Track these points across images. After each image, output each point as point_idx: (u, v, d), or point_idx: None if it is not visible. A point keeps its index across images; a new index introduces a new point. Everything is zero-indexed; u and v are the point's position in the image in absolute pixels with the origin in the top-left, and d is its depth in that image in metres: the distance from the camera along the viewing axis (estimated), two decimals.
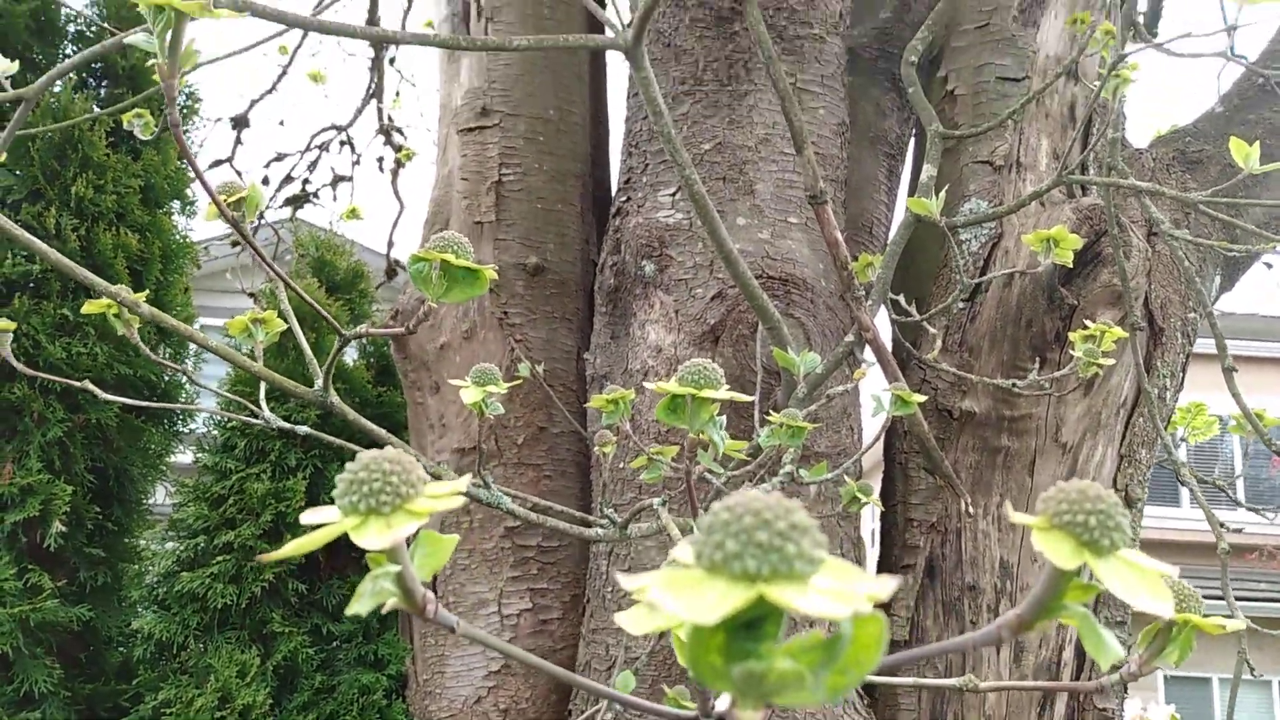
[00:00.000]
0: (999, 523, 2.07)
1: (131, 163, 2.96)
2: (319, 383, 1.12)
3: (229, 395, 1.87)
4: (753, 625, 0.30)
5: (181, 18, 0.73)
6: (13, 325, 1.48)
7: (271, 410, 1.40)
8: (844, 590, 0.29)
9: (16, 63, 1.72)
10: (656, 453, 1.52)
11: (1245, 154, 1.55)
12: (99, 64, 3.22)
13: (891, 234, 2.86)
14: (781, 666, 0.29)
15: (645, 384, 2.18)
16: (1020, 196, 2.17)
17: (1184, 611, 0.68)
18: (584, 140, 2.80)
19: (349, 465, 0.41)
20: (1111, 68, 1.41)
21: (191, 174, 3.39)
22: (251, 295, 4.13)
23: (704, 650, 0.30)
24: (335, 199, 5.12)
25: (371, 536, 0.39)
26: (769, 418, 1.41)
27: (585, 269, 2.66)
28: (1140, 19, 3.76)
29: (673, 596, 0.29)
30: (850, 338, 1.71)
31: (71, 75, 3.18)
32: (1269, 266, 2.42)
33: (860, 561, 2.13)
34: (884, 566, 2.23)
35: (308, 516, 0.42)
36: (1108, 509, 0.41)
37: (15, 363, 1.48)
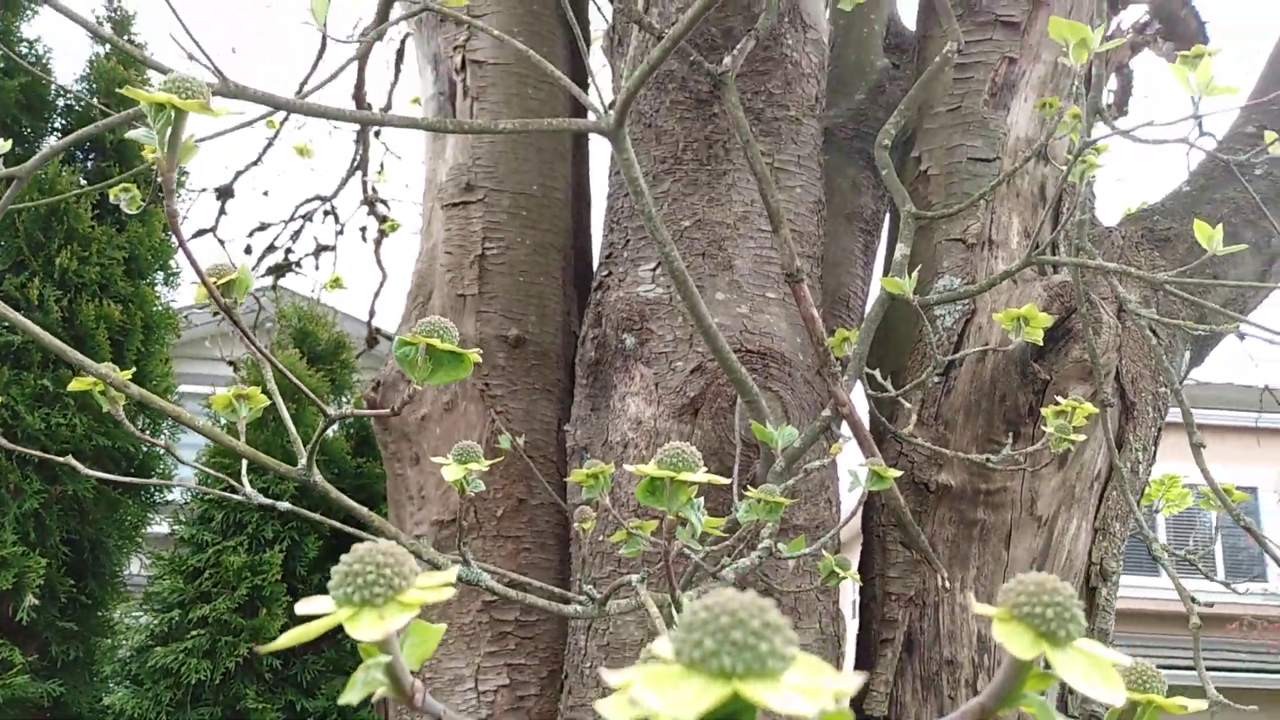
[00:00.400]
0: (977, 596, 2.08)
1: (116, 234, 2.99)
2: (303, 461, 1.13)
3: (208, 470, 1.87)
4: (729, 719, 0.32)
5: (181, 115, 0.76)
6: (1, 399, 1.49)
7: (250, 481, 1.41)
8: (813, 687, 0.31)
9: (9, 142, 1.75)
10: (636, 527, 1.54)
11: (1209, 236, 1.60)
12: (86, 139, 3.27)
13: (868, 308, 2.92)
14: None
15: (625, 457, 2.19)
16: (992, 273, 2.22)
17: (1146, 691, 0.70)
18: (566, 214, 2.85)
19: (344, 558, 0.43)
20: (1078, 154, 1.46)
21: (175, 244, 3.41)
22: (231, 364, 4.13)
23: None
24: (318, 268, 5.15)
25: (365, 628, 0.40)
26: (747, 492, 1.43)
27: (566, 341, 2.68)
28: (1111, 96, 3.88)
29: (654, 692, 0.30)
30: (827, 413, 1.74)
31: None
32: (1241, 337, 2.48)
33: (839, 636, 2.13)
34: (863, 640, 2.23)
35: (303, 606, 0.43)
36: (1065, 601, 0.43)
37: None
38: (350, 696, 0.42)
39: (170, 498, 2.96)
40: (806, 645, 2.02)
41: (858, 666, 2.20)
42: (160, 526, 2.98)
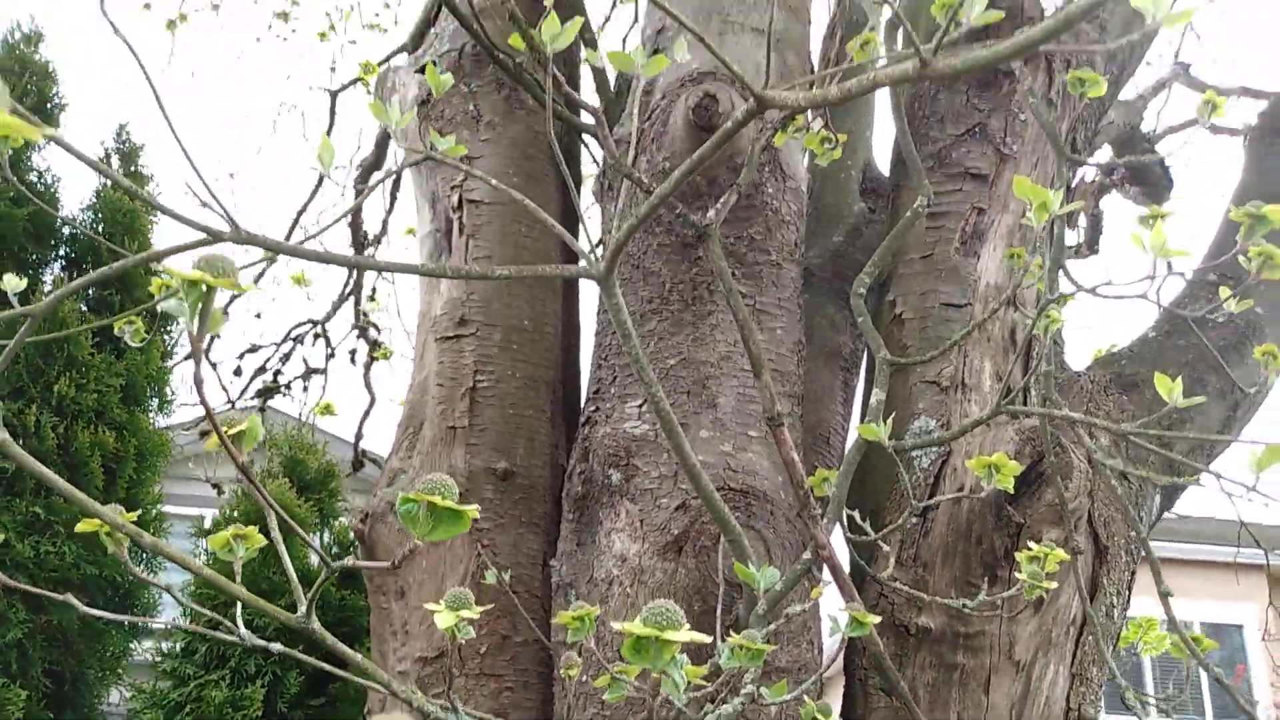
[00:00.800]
0: None
1: (115, 361, 3.05)
2: (303, 609, 1.17)
3: (195, 607, 1.89)
4: None
5: (212, 290, 0.83)
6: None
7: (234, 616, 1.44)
8: None
9: (25, 280, 1.83)
10: (620, 670, 1.56)
11: (1169, 389, 1.68)
12: (88, 262, 3.36)
13: (847, 443, 2.98)
14: None
15: (610, 594, 2.22)
16: (966, 415, 2.30)
17: None
18: (556, 348, 2.93)
19: None
20: (1041, 310, 1.55)
21: (169, 370, 3.48)
22: (215, 486, 4.17)
23: None
24: (306, 390, 5.20)
25: None
26: (730, 639, 1.46)
27: (554, 474, 2.73)
28: (1082, 234, 4.03)
29: None
30: (808, 555, 1.78)
31: (61, 275, 3.31)
32: (1218, 477, 2.54)
33: None
34: None
35: None
36: None
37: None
38: None
39: (155, 625, 2.95)
40: None
41: None
42: (143, 656, 2.97)
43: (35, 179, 3.31)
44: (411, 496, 0.99)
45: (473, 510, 0.99)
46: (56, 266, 3.44)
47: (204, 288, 0.87)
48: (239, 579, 1.40)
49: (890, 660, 1.93)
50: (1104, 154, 3.61)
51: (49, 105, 3.27)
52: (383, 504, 2.69)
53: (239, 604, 1.45)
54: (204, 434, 4.19)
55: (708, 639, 0.95)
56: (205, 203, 2.67)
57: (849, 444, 2.88)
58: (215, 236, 1.64)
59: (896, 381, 2.41)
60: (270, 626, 2.52)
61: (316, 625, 1.22)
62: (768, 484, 2.29)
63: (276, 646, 1.47)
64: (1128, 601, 2.27)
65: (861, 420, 2.59)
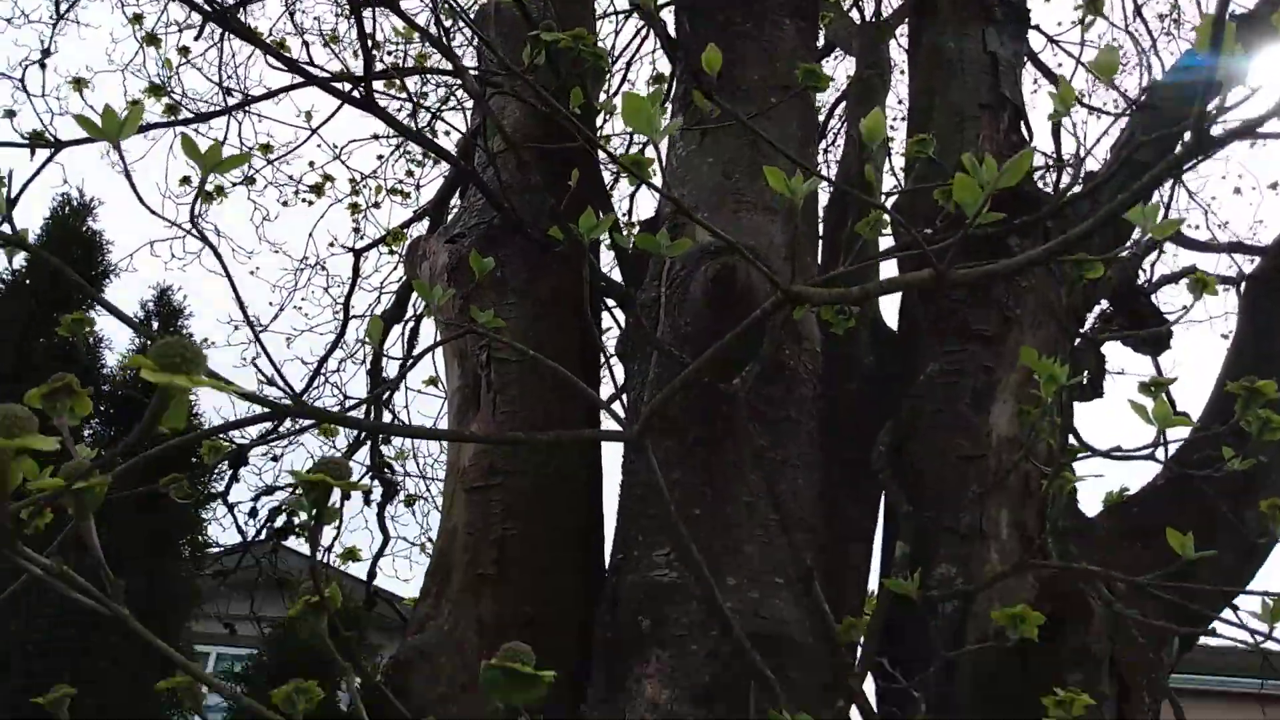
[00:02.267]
0: None
1: (147, 514, 3.14)
2: None
3: None
4: None
5: (329, 489, 0.94)
6: (73, 690, 1.59)
7: None
8: None
9: (95, 450, 1.94)
10: None
11: (1180, 543, 1.77)
12: (130, 416, 3.48)
13: (874, 572, 3.02)
14: None
15: None
16: (985, 562, 2.38)
17: None
18: (582, 495, 3.02)
19: None
20: (1055, 474, 1.66)
21: (204, 518, 3.56)
22: (229, 626, 4.20)
23: None
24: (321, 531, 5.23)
25: None
26: None
27: (581, 622, 2.78)
28: (1085, 377, 4.16)
29: None
30: (841, 704, 1.84)
31: (100, 430, 3.43)
32: (1241, 626, 2.59)
33: None
34: None
35: None
36: None
37: None
38: None
39: None
40: None
41: None
42: None
43: (77, 342, 3.47)
44: (493, 664, 1.07)
45: (549, 675, 1.08)
46: (95, 422, 3.57)
47: (324, 488, 0.98)
48: None
49: None
50: (1103, 304, 3.77)
51: (94, 273, 3.45)
52: (411, 651, 2.73)
53: None
54: (219, 574, 4.23)
55: None
56: (270, 379, 2.81)
57: (874, 573, 2.91)
58: (280, 410, 1.76)
59: (916, 533, 2.49)
60: None
61: None
62: (796, 630, 2.35)
63: None
64: None
65: (883, 569, 2.66)
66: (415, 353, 2.29)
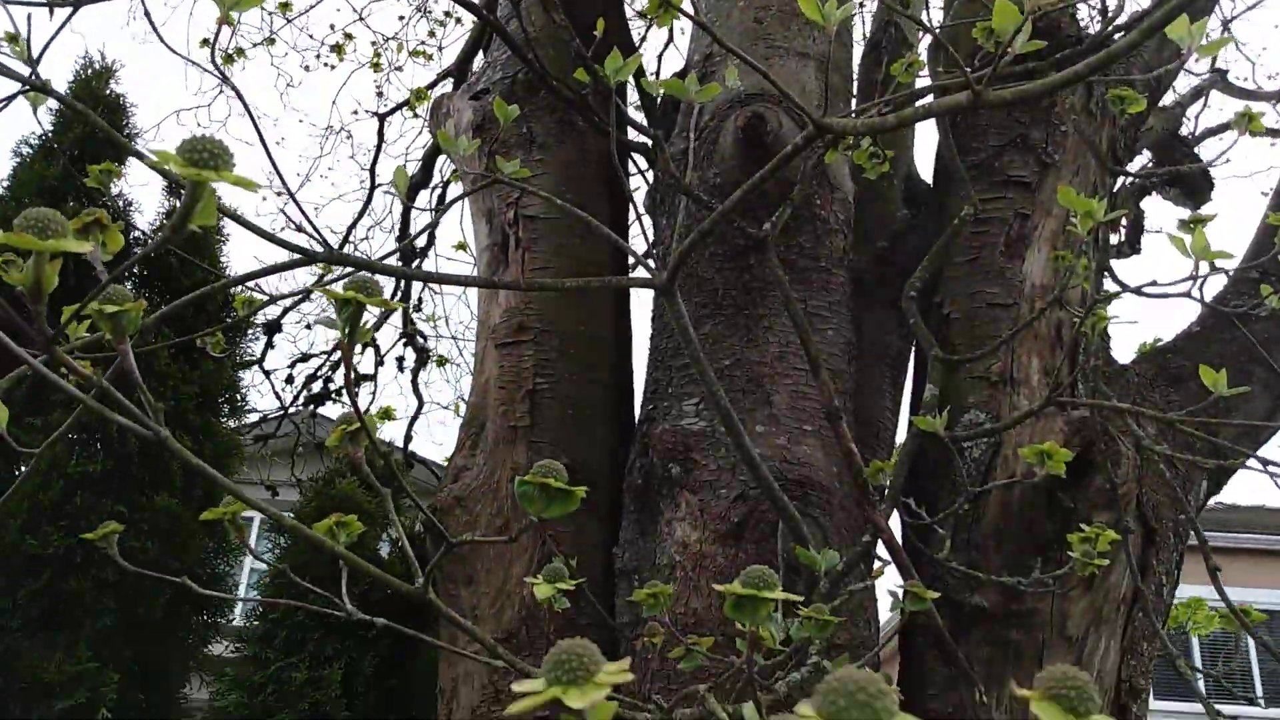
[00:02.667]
0: (1012, 713, 2.17)
1: (190, 371, 3.20)
2: (419, 581, 1.29)
3: (267, 600, 2.02)
4: None
5: (360, 308, 0.95)
6: (120, 527, 1.65)
7: (312, 600, 1.56)
8: None
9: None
10: (694, 643, 1.67)
11: (1213, 379, 1.76)
12: (162, 280, 3.51)
13: (899, 435, 3.07)
14: None
15: (673, 579, 2.32)
16: (1015, 408, 2.39)
17: None
18: (611, 351, 3.05)
19: (552, 650, 0.59)
20: (1088, 310, 1.64)
21: (240, 377, 3.63)
22: (270, 488, 4.33)
23: None
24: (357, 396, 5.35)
25: (574, 699, 0.56)
26: (798, 611, 1.57)
27: (612, 470, 2.84)
28: (1123, 235, 4.09)
29: None
30: (867, 538, 1.88)
31: (139, 293, 3.47)
32: (1264, 464, 2.60)
33: None
34: None
35: (519, 686, 0.59)
36: (1083, 685, 0.59)
37: (120, 560, 1.65)
38: None
39: (231, 618, 3.10)
40: None
41: None
42: (218, 647, 3.11)
43: (106, 204, 3.48)
44: (527, 479, 1.10)
45: (580, 490, 1.10)
46: (128, 285, 3.62)
47: (355, 305, 0.99)
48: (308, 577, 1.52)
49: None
50: (1145, 155, 3.68)
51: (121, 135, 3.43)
52: (449, 499, 2.81)
53: (344, 579, 1.58)
54: (260, 439, 4.32)
55: (797, 598, 1.06)
56: (299, 226, 2.82)
57: (899, 438, 2.97)
58: (310, 256, 1.77)
59: (947, 377, 2.50)
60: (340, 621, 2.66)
61: (432, 594, 1.34)
62: (823, 475, 2.39)
63: (381, 620, 1.59)
64: (1176, 581, 2.35)
65: (913, 414, 2.68)
66: (444, 205, 2.27)
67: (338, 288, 0.97)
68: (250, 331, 3.59)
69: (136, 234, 3.47)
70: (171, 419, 3.09)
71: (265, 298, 2.16)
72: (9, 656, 2.64)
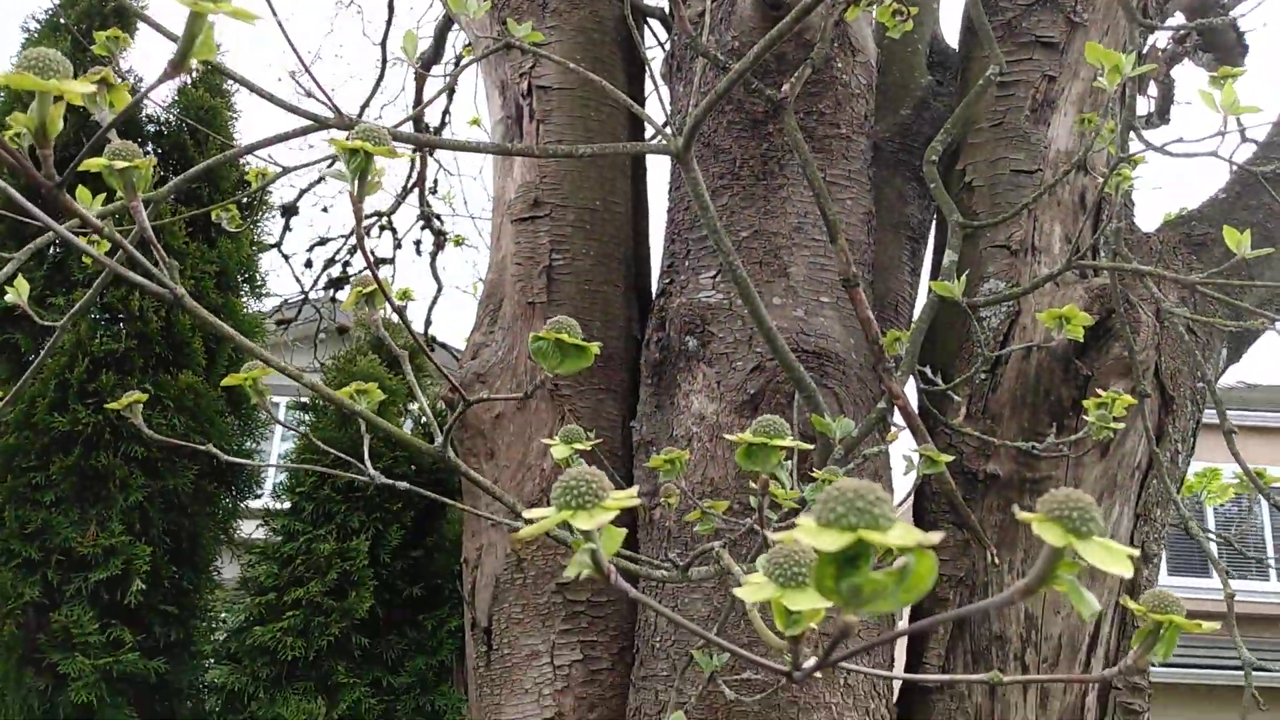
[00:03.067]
0: (1024, 577, 2.22)
1: (208, 250, 3.20)
2: (439, 440, 1.31)
3: (296, 465, 2.06)
4: (852, 560, 0.48)
5: (370, 157, 0.94)
6: (144, 396, 1.67)
7: (337, 471, 1.59)
8: (910, 534, 0.47)
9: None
10: (710, 506, 1.70)
11: (1238, 240, 1.73)
12: (178, 161, 3.49)
13: (916, 311, 3.06)
14: (874, 579, 0.47)
15: (690, 450, 2.36)
16: (1035, 278, 2.36)
17: (1168, 614, 0.86)
18: (627, 226, 3.02)
19: (561, 478, 0.59)
20: (1113, 169, 1.60)
21: (259, 257, 3.63)
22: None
23: (822, 577, 0.48)
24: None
25: (582, 522, 0.57)
26: (813, 474, 1.59)
27: (629, 344, 2.85)
28: (1152, 104, 3.98)
29: (807, 537, 0.47)
30: (882, 404, 1.89)
31: (155, 172, 3.46)
32: None
33: (892, 615, 2.27)
34: (915, 618, 2.38)
35: (529, 513, 0.60)
36: (1086, 507, 0.59)
37: (144, 429, 1.68)
38: (569, 573, 0.59)
39: (259, 493, 3.17)
40: (865, 621, 2.18)
41: (911, 644, 2.34)
42: (248, 525, 3.20)
43: (120, 80, 3.42)
44: (542, 335, 1.10)
45: (595, 346, 1.11)
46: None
47: (364, 155, 0.98)
48: (364, 427, 1.54)
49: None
50: (1176, 19, 3.55)
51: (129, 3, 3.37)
52: (470, 375, 2.84)
53: (366, 446, 1.60)
54: (281, 323, 4.36)
55: (808, 446, 1.07)
56: (310, 92, 2.76)
57: (917, 311, 2.95)
58: (321, 123, 1.75)
59: (967, 246, 2.47)
60: (370, 485, 2.72)
61: (452, 454, 1.36)
62: (839, 346, 2.39)
63: (403, 485, 1.63)
64: (1192, 449, 2.36)
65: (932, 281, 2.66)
66: (458, 68, 2.23)
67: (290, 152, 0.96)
68: (266, 212, 3.57)
69: (148, 113, 3.43)
70: (193, 298, 3.11)
71: (280, 169, 2.14)
72: (45, 531, 2.72)
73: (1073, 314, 1.75)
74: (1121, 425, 1.82)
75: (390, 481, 1.57)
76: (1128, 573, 0.59)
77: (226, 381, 1.48)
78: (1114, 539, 2.26)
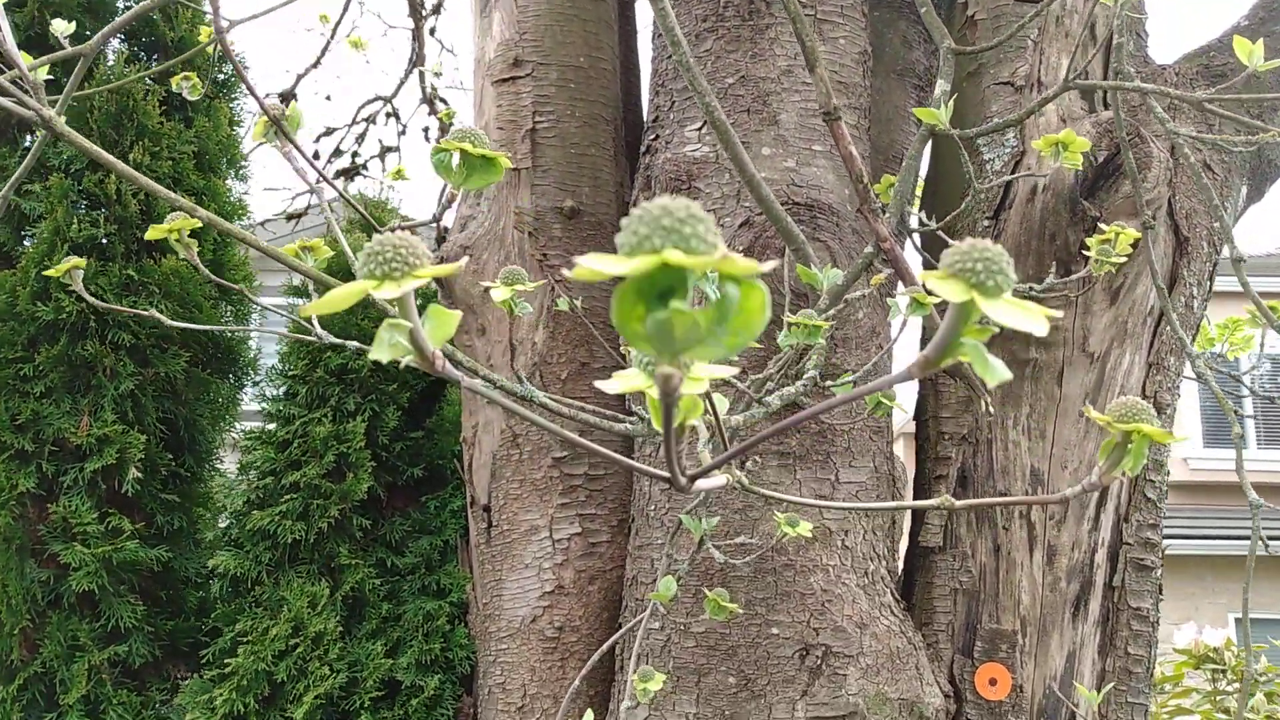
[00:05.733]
0: (1029, 433, 2.12)
1: (184, 130, 3.09)
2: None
3: (289, 334, 1.99)
4: (665, 295, 0.38)
5: None
6: (82, 262, 1.59)
7: (329, 361, 1.51)
8: (734, 260, 0.37)
9: (74, 24, 1.84)
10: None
11: (1248, 51, 1.58)
12: (148, 37, 3.35)
13: (923, 171, 2.91)
14: (684, 317, 0.38)
15: None
16: (1041, 118, 2.21)
17: (1135, 423, 0.76)
18: (614, 86, 2.88)
19: (368, 245, 0.50)
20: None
21: (242, 143, 3.52)
22: (292, 217, 4.32)
23: (629, 319, 0.39)
24: (384, 170, 5.27)
25: (389, 290, 0.48)
26: (788, 318, 1.49)
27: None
28: None
29: (601, 264, 0.37)
30: (869, 249, 1.77)
31: (124, 50, 3.32)
32: None
33: (894, 476, 2.20)
34: (919, 478, 2.30)
35: (312, 305, 0.51)
36: (994, 258, 0.49)
37: (87, 295, 1.60)
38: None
39: (257, 378, 3.12)
40: (861, 484, 2.10)
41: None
42: (249, 406, 3.16)
43: None
44: (443, 145, 0.99)
45: (504, 158, 1.00)
46: (116, 41, 3.46)
47: None
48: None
49: None
50: None
51: None
52: (455, 248, 2.75)
53: (312, 295, 1.52)
54: (290, 218, 4.21)
55: (773, 264, 0.96)
56: None
57: (924, 170, 2.80)
58: None
59: (970, 84, 2.31)
60: (364, 367, 2.66)
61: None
62: (833, 197, 2.26)
63: (353, 344, 1.55)
64: (1208, 293, 2.23)
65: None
66: None
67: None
68: (242, 94, 3.43)
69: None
70: (171, 180, 3.02)
71: (249, 15, 2.00)
72: (36, 421, 2.68)
73: (1070, 139, 1.61)
74: (1124, 260, 1.69)
75: (338, 341, 1.49)
76: (1042, 330, 0.49)
77: (150, 234, 1.39)
78: (1125, 389, 2.16)
